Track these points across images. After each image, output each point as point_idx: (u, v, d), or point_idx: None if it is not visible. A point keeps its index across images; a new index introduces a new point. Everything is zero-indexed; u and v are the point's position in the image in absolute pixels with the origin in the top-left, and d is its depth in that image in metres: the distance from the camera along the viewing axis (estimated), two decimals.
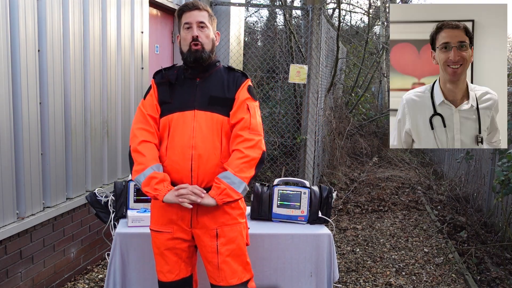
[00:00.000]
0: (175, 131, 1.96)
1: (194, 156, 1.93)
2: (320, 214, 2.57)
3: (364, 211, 5.45)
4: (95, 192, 2.53)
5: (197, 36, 1.95)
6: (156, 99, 2.04)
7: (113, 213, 2.48)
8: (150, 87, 2.07)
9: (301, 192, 2.57)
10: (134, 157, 1.97)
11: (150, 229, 2.06)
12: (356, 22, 17.47)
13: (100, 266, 3.63)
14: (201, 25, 1.97)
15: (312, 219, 2.56)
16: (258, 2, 7.79)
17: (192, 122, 1.95)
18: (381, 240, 4.52)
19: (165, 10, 4.80)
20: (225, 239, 1.98)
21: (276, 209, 2.60)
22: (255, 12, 10.05)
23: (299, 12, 8.35)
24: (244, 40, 6.37)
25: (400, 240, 4.56)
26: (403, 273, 3.77)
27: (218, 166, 1.95)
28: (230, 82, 2.03)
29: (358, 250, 4.25)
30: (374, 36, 12.68)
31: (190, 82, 2.02)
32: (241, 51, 5.99)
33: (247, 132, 1.93)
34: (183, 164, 1.94)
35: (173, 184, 1.96)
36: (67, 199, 3.24)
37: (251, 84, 2.07)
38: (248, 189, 1.93)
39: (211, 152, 1.94)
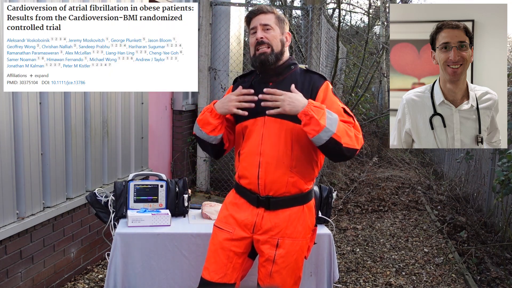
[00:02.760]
0: (248, 138, 1.97)
1: (262, 163, 1.92)
2: (320, 214, 2.57)
3: (364, 211, 5.45)
4: (95, 192, 2.53)
5: (261, 38, 1.91)
6: None
7: (113, 213, 2.48)
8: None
9: None
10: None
11: (214, 225, 2.08)
12: (356, 22, 17.49)
13: (100, 266, 3.63)
14: (266, 27, 1.93)
15: None
16: (258, 2, 7.79)
17: (262, 128, 1.93)
18: (381, 240, 4.52)
19: None
20: (284, 251, 1.95)
21: None
22: None
23: (299, 12, 8.35)
24: (244, 40, 6.38)
25: (400, 240, 4.56)
26: (403, 273, 3.78)
27: (287, 174, 1.92)
28: (305, 86, 1.93)
29: (358, 250, 4.25)
30: (374, 36, 12.68)
31: (263, 86, 1.96)
32: (241, 51, 5.99)
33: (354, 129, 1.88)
34: (251, 171, 1.95)
35: (243, 188, 2.00)
36: (67, 199, 3.24)
37: (331, 86, 1.98)
38: (324, 141, 1.77)
39: (280, 160, 1.90)
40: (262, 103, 1.84)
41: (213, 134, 1.98)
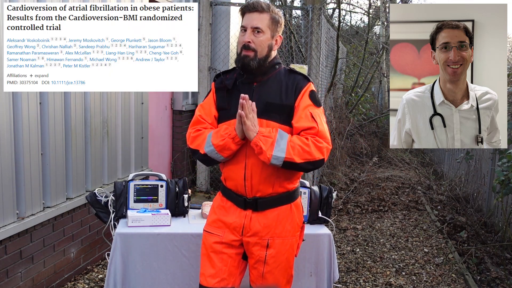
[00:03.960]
0: None
1: (248, 164, 1.90)
2: (320, 214, 2.57)
3: (364, 211, 5.45)
4: (95, 192, 2.53)
5: (248, 42, 1.88)
6: (214, 104, 2.03)
7: (113, 213, 2.48)
8: (210, 90, 2.07)
9: (301, 192, 2.56)
10: (194, 147, 1.98)
11: (203, 229, 2.06)
12: (356, 22, 17.49)
13: (100, 266, 3.63)
14: (257, 30, 1.88)
15: (312, 219, 2.56)
16: None
17: None
18: (381, 240, 4.52)
19: None
20: (274, 251, 1.95)
21: None
22: None
23: (299, 12, 8.35)
24: None
25: (400, 240, 4.56)
26: (403, 273, 3.78)
27: (274, 175, 1.90)
28: (289, 87, 1.93)
29: (358, 250, 4.25)
30: (374, 36, 12.68)
31: (248, 86, 1.95)
32: None
33: (316, 137, 1.86)
34: (237, 172, 1.93)
35: (230, 191, 1.98)
36: (67, 199, 3.24)
37: (313, 88, 1.96)
38: (279, 164, 1.82)
39: None
40: (239, 106, 1.82)
41: (229, 157, 1.94)
